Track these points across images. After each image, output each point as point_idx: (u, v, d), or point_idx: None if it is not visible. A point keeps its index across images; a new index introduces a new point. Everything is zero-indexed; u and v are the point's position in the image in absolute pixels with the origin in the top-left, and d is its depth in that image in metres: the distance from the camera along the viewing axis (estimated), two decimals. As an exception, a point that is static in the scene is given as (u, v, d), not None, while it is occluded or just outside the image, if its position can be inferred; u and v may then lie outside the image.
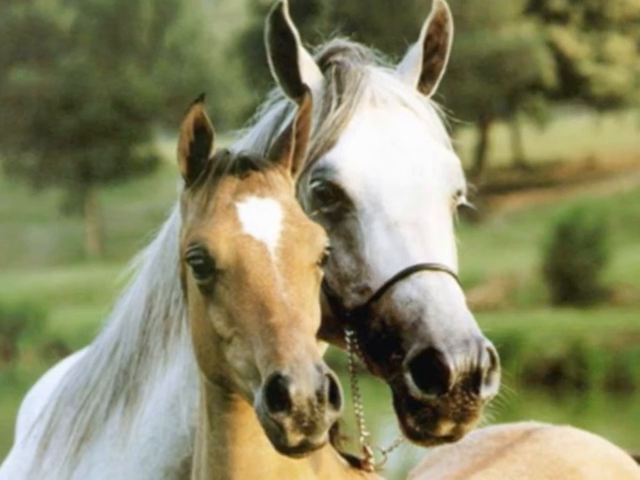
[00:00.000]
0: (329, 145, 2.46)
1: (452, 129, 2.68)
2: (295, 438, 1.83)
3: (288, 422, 1.82)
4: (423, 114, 2.59)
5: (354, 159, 2.43)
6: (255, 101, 2.75)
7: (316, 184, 2.43)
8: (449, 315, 2.21)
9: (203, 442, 2.15)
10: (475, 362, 2.14)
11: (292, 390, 1.80)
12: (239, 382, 1.97)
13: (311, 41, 2.66)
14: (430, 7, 2.60)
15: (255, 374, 1.89)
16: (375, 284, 2.32)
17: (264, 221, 2.06)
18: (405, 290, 2.27)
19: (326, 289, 2.34)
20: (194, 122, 2.10)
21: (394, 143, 2.48)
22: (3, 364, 38.94)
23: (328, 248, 2.11)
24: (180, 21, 59.06)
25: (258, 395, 1.86)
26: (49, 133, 55.26)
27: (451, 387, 2.13)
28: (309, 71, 2.53)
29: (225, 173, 2.12)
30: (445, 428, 2.20)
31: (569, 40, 52.60)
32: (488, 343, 2.20)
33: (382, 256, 2.34)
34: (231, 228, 2.04)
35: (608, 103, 53.76)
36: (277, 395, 1.82)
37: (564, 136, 54.74)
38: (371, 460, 2.37)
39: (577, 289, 33.92)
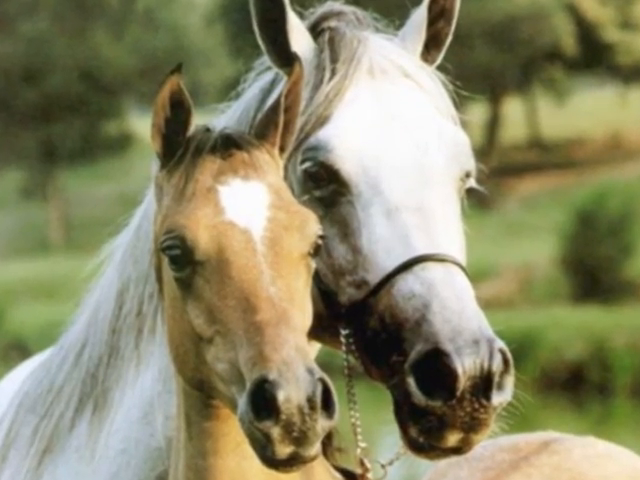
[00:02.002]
0: (322, 121, 2.45)
1: (460, 103, 2.67)
2: (284, 450, 1.82)
3: (276, 432, 1.80)
4: (427, 86, 2.57)
5: (350, 136, 2.42)
6: (239, 71, 2.74)
7: (307, 165, 2.42)
8: (457, 312, 2.20)
9: (180, 454, 2.15)
10: (486, 365, 2.13)
11: (280, 396, 1.79)
12: (221, 387, 1.96)
13: (301, 4, 2.65)
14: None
15: (239, 378, 1.88)
16: (374, 277, 2.31)
17: (249, 206, 2.05)
18: (407, 284, 2.26)
19: (318, 283, 2.33)
20: (170, 95, 2.09)
21: (395, 118, 2.46)
22: (-44, 367, 38.89)
23: (321, 237, 2.11)
24: (154, -18, 58.92)
25: (242, 401, 1.85)
26: (7, 107, 55.02)
27: (459, 393, 2.12)
28: (299, 38, 2.51)
29: (205, 152, 2.11)
30: (452, 439, 2.19)
31: (591, 3, 52.55)
32: (500, 343, 2.19)
33: (381, 246, 2.33)
34: (212, 214, 2.03)
35: (635, 74, 53.71)
36: (263, 402, 1.81)
37: (586, 111, 54.70)
38: (369, 475, 2.37)
39: (600, 283, 33.93)
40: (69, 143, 56.65)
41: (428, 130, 2.47)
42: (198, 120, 2.16)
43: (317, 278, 2.29)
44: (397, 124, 2.46)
